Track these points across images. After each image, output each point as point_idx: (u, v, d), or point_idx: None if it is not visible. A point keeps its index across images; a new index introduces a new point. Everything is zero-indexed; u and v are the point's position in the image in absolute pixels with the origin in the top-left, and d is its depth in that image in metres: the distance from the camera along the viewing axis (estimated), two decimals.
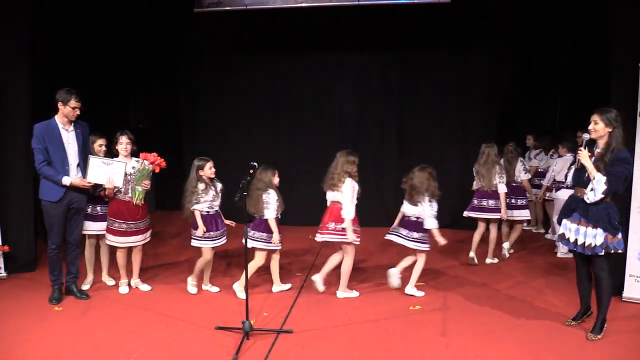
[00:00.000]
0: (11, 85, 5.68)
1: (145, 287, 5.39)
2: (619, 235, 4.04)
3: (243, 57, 8.27)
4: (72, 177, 4.84)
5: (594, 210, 3.98)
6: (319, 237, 5.24)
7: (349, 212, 5.12)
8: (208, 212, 5.30)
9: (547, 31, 8.04)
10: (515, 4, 7.51)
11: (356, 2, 6.90)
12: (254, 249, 5.13)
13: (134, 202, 5.23)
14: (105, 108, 8.50)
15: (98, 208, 5.37)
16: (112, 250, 5.45)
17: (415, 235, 5.21)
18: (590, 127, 4.08)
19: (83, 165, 4.99)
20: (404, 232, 5.30)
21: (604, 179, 3.89)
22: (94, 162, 4.98)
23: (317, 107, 8.25)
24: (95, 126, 8.20)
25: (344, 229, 5.11)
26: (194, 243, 5.28)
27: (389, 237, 5.43)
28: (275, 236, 5.13)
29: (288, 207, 8.27)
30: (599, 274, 4.14)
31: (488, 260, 6.33)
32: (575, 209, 4.12)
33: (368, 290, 5.37)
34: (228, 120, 8.42)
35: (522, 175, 6.54)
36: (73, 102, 4.87)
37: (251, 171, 4.38)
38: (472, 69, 7.85)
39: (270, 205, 5.19)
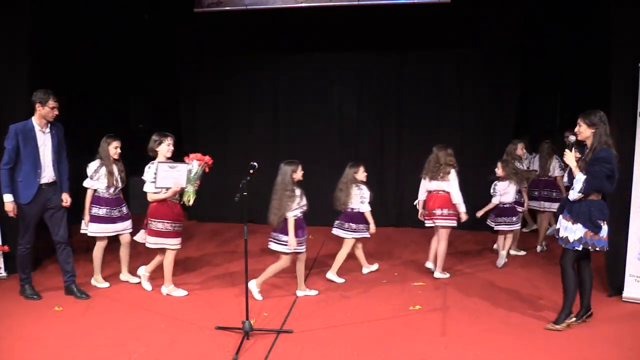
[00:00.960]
0: (10, 86, 5.66)
1: (179, 293, 5.25)
2: (601, 234, 4.18)
3: (243, 57, 8.27)
4: (9, 199, 4.82)
5: (576, 207, 4.19)
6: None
7: (459, 197, 5.67)
8: (300, 216, 5.19)
9: (547, 31, 8.03)
10: (514, 4, 7.52)
11: (356, 2, 6.91)
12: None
13: (186, 203, 5.31)
14: (105, 108, 8.53)
15: (117, 210, 5.54)
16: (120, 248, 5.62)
17: (445, 212, 5.70)
18: (576, 129, 4.25)
19: (57, 167, 5.04)
20: (439, 212, 5.72)
21: (583, 177, 4.08)
22: (161, 167, 5.11)
23: (317, 106, 8.25)
24: (95, 126, 8.27)
25: (450, 214, 5.68)
26: (282, 249, 5.09)
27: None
28: (372, 226, 5.78)
29: None
30: (563, 265, 4.36)
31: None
32: (565, 206, 4.33)
33: (368, 290, 5.36)
34: (228, 120, 8.42)
35: (556, 172, 6.69)
36: (51, 102, 4.85)
37: (251, 171, 4.39)
38: (471, 69, 7.85)
39: (365, 199, 5.75)
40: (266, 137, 8.36)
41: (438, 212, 5.72)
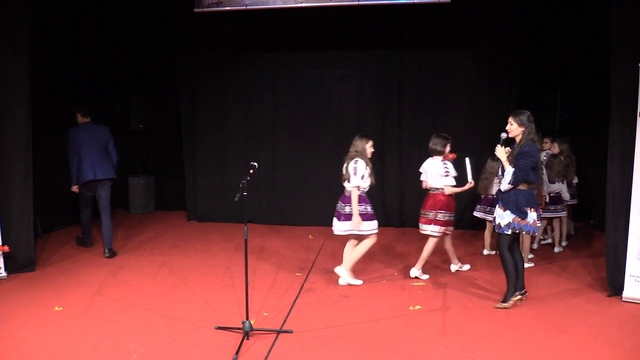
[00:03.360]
0: (10, 85, 5.66)
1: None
2: (528, 219, 4.68)
3: (243, 56, 8.27)
4: None
5: (506, 196, 4.73)
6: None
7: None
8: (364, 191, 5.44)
9: (547, 30, 8.03)
10: (515, 3, 7.52)
11: (356, 2, 6.90)
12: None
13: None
14: (105, 108, 8.52)
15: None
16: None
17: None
18: (507, 127, 4.74)
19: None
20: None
21: (512, 170, 4.61)
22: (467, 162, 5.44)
23: (316, 106, 8.25)
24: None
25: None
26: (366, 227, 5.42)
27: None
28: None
29: (288, 207, 8.34)
30: (500, 249, 4.84)
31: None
32: (499, 196, 4.84)
33: (368, 290, 5.36)
34: (228, 120, 8.41)
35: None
36: None
37: (251, 171, 4.38)
38: (472, 68, 7.84)
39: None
40: (266, 137, 8.36)
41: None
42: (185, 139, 8.54)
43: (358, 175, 5.28)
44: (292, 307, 4.90)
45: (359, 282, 5.53)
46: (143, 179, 9.09)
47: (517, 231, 4.74)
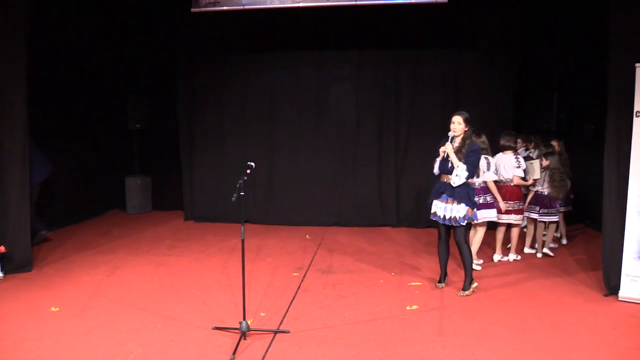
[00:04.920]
0: (7, 86, 5.64)
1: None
2: (475, 209, 5.15)
3: (240, 56, 8.25)
4: None
5: (458, 191, 5.05)
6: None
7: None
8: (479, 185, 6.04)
9: (544, 30, 8.04)
10: (512, 4, 7.53)
11: (353, 2, 6.90)
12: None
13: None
14: (103, 108, 8.53)
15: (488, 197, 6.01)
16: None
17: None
18: (454, 126, 5.07)
19: None
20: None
21: (465, 167, 4.97)
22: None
23: (314, 106, 8.24)
24: (93, 126, 8.27)
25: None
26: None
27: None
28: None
29: (285, 207, 8.34)
30: (459, 241, 5.17)
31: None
32: (444, 191, 5.12)
33: (365, 290, 5.36)
34: (225, 119, 8.40)
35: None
36: None
37: (248, 171, 4.38)
38: (469, 68, 7.84)
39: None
40: (263, 137, 8.35)
41: None
42: (183, 139, 8.53)
43: (491, 170, 5.98)
44: (289, 307, 4.90)
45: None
46: (140, 178, 9.07)
47: (471, 221, 5.15)
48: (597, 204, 5.59)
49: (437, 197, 5.20)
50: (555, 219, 6.50)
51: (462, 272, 5.34)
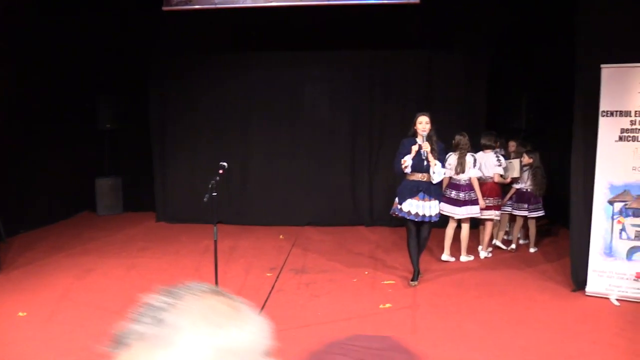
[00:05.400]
0: None
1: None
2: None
3: (213, 56, 8.19)
4: None
5: (434, 188, 5.30)
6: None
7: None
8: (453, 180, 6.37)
9: (515, 32, 8.16)
10: (483, 6, 7.63)
11: (327, 2, 6.91)
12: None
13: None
14: (72, 108, 8.37)
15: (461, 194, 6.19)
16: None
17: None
18: (422, 126, 5.24)
19: None
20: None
21: (441, 164, 5.25)
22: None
23: (288, 106, 8.23)
24: (62, 126, 8.12)
25: None
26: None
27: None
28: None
29: (259, 207, 8.31)
30: (427, 235, 5.50)
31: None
32: (420, 189, 5.25)
33: (338, 289, 5.38)
34: (198, 119, 8.32)
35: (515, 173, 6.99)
36: None
37: (221, 171, 4.36)
38: (441, 69, 7.93)
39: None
40: (237, 137, 8.31)
41: None
42: (155, 139, 8.43)
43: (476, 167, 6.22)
44: (262, 307, 4.89)
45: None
46: (111, 179, 8.94)
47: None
48: (565, 202, 5.72)
49: (412, 195, 5.25)
50: (542, 213, 6.73)
51: (433, 269, 5.40)
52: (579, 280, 5.32)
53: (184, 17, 7.56)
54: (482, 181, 6.39)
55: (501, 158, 6.45)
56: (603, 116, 5.07)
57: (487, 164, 6.42)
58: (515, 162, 6.57)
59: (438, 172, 5.21)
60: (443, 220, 6.07)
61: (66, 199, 8.51)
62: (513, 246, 6.85)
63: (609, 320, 4.63)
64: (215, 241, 4.28)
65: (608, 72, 5.03)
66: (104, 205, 8.92)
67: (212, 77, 8.25)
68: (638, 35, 4.95)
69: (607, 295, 5.12)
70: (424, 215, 5.26)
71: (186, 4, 6.93)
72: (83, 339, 4.19)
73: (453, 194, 6.21)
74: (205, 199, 4.10)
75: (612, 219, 5.11)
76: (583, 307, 4.92)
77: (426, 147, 5.16)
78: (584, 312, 4.81)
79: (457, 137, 6.24)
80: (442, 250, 6.54)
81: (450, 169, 6.16)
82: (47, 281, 5.55)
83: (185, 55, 8.20)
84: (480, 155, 6.44)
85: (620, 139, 5.04)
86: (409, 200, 5.26)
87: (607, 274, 5.13)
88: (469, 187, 6.18)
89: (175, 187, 8.44)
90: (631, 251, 5.07)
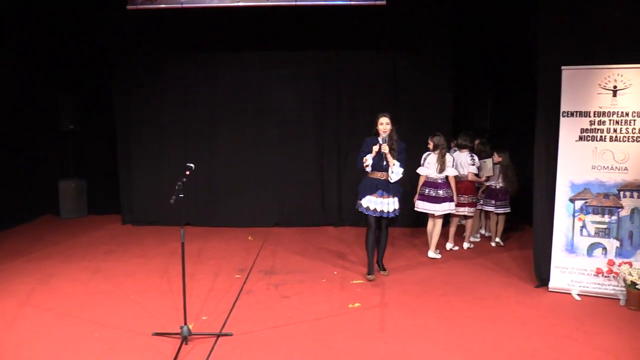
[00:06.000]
0: None
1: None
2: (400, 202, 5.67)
3: (179, 55, 8.09)
4: None
5: (392, 186, 5.52)
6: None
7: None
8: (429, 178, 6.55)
9: (479, 34, 8.30)
10: (448, 8, 7.75)
11: (293, 2, 6.91)
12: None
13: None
14: (33, 107, 8.16)
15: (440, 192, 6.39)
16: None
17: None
18: (386, 127, 5.43)
19: None
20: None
21: (399, 164, 5.44)
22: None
23: (255, 106, 8.19)
24: (23, 126, 7.90)
25: None
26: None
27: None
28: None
29: (227, 208, 8.25)
30: (386, 230, 5.75)
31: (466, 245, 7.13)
32: (379, 187, 5.49)
33: (307, 290, 5.39)
34: (165, 120, 8.20)
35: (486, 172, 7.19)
36: None
37: (188, 172, 4.31)
38: (406, 69, 8.01)
39: None
40: (204, 138, 8.23)
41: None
42: (120, 140, 8.28)
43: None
44: (231, 309, 4.86)
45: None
46: (74, 181, 8.74)
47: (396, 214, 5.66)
48: (529, 200, 5.85)
49: (372, 192, 5.53)
50: (508, 210, 7.10)
51: (401, 267, 5.44)
52: (542, 277, 5.46)
53: (150, 16, 7.45)
54: (458, 179, 6.67)
55: (475, 157, 6.81)
56: (564, 116, 5.22)
57: (462, 163, 6.80)
58: (489, 161, 6.88)
59: (396, 172, 5.45)
60: (421, 219, 6.20)
61: (27, 202, 8.27)
62: (498, 240, 7.16)
63: (571, 314, 4.77)
64: (183, 243, 4.23)
65: (568, 74, 5.18)
66: (67, 208, 8.72)
67: (178, 77, 8.15)
68: (596, 38, 5.10)
69: (569, 290, 5.27)
70: (381, 211, 5.51)
71: (151, 3, 6.85)
72: (47, 345, 4.10)
73: (432, 192, 6.43)
74: (172, 201, 4.05)
75: (573, 216, 5.27)
76: (546, 303, 5.05)
77: (385, 148, 5.38)
78: (547, 307, 4.94)
79: (436, 138, 6.45)
80: (409, 250, 6.61)
81: (429, 167, 6.41)
82: (8, 287, 5.39)
83: (150, 54, 8.08)
84: (456, 154, 6.84)
85: (580, 138, 5.20)
86: (368, 197, 5.55)
87: (568, 270, 5.28)
88: (446, 184, 6.44)
89: (142, 189, 8.30)
90: (591, 247, 5.23)
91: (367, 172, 5.56)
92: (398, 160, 5.45)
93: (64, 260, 6.39)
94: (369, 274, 5.67)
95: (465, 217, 6.98)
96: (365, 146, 5.51)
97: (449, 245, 6.90)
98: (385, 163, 5.46)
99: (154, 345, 4.11)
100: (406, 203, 8.03)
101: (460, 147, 6.90)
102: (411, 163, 7.72)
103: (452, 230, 6.95)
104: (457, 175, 6.60)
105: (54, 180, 8.61)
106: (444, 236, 6.83)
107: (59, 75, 8.53)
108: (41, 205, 8.66)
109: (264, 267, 6.15)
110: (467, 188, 6.83)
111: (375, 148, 5.40)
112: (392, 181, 5.48)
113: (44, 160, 8.55)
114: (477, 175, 6.87)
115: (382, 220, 5.65)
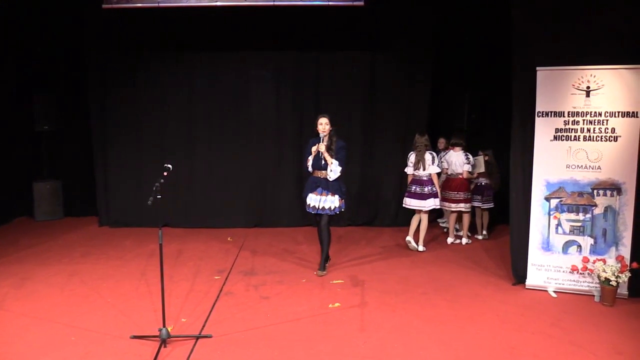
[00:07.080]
0: None
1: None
2: (343, 200, 5.78)
3: (156, 55, 8.00)
4: None
5: (332, 184, 5.68)
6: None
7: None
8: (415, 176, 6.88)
9: (456, 33, 8.37)
10: (425, 8, 7.81)
11: (271, 3, 6.87)
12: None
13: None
14: (6, 107, 8.00)
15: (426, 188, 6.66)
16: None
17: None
18: (324, 127, 5.61)
19: None
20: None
21: (337, 162, 5.60)
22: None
23: (233, 107, 8.13)
24: None
25: None
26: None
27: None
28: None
29: (205, 209, 8.19)
30: (324, 226, 5.81)
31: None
32: (319, 185, 5.71)
33: (287, 290, 5.38)
34: (142, 121, 8.09)
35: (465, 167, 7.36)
36: None
37: (165, 173, 4.27)
38: (385, 69, 8.05)
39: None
40: (182, 138, 8.15)
41: None
42: (96, 140, 8.15)
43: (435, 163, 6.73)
44: (210, 311, 4.83)
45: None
46: (50, 183, 8.58)
47: (341, 210, 5.80)
48: (506, 199, 5.93)
49: (312, 190, 5.78)
50: (492, 205, 7.44)
51: (381, 267, 5.46)
52: (519, 274, 5.54)
53: (126, 15, 7.35)
54: (452, 177, 7.10)
55: (469, 156, 7.06)
56: (539, 116, 5.30)
57: (456, 162, 7.06)
58: (480, 159, 7.14)
59: (334, 170, 5.63)
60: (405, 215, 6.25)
61: (1, 205, 8.10)
62: (484, 233, 7.57)
63: (547, 311, 4.85)
64: (161, 245, 4.19)
65: (543, 75, 5.27)
66: (42, 210, 8.56)
67: (155, 77, 8.05)
68: (571, 39, 5.19)
69: (545, 287, 5.36)
70: (320, 208, 5.74)
71: (127, 2, 6.72)
72: (22, 351, 4.03)
73: (418, 189, 6.74)
74: (149, 202, 4.00)
75: (549, 214, 5.36)
76: (523, 300, 5.13)
77: (321, 147, 5.60)
78: (524, 304, 5.01)
79: (415, 137, 6.77)
80: (390, 250, 6.64)
81: (410, 166, 6.79)
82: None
83: (127, 54, 7.96)
84: (450, 153, 7.14)
85: (555, 138, 5.29)
86: (309, 195, 5.81)
87: (545, 268, 5.37)
88: (430, 181, 6.73)
89: (118, 190, 8.19)
90: (566, 245, 5.33)
91: (309, 171, 5.85)
92: (337, 159, 5.62)
93: (39, 263, 6.27)
94: (321, 270, 5.92)
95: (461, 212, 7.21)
96: (308, 147, 5.80)
97: (449, 240, 7.24)
98: (323, 162, 5.67)
99: (133, 348, 4.07)
100: (392, 204, 8.16)
101: (454, 146, 7.12)
102: (394, 163, 7.97)
103: (452, 225, 7.26)
104: (451, 173, 7.07)
105: (28, 182, 8.44)
106: (430, 232, 6.88)
107: (33, 75, 8.36)
108: (15, 207, 8.48)
109: (243, 268, 6.13)
110: (462, 185, 7.07)
111: (314, 148, 5.66)
112: (330, 179, 5.66)
113: (18, 161, 8.38)
114: (470, 172, 7.09)
115: (321, 217, 5.79)
